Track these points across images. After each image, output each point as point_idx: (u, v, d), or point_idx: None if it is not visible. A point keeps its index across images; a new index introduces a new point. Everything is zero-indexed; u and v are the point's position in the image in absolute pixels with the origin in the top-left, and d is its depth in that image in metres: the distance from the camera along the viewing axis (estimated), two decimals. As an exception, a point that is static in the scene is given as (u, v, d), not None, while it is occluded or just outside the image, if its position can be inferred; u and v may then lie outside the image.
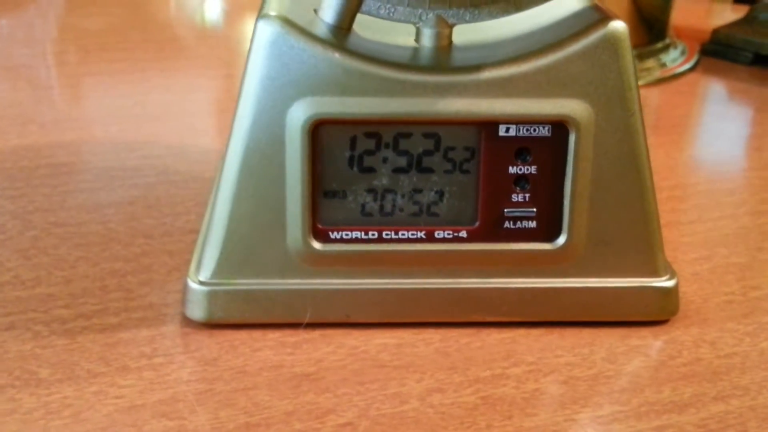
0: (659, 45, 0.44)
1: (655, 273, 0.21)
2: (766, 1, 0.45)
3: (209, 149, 0.31)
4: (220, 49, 0.47)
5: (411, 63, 0.20)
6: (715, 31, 0.45)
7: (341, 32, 0.20)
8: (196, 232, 0.25)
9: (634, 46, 0.45)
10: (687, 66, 0.44)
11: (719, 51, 0.45)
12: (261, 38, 0.19)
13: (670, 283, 0.21)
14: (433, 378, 0.19)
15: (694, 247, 0.25)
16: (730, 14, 0.57)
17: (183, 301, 0.21)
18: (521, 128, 0.20)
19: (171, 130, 0.33)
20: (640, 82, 0.40)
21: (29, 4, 0.55)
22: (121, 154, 0.30)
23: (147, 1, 0.56)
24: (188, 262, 0.21)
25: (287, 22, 0.19)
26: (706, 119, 0.37)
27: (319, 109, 0.19)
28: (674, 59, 0.45)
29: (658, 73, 0.42)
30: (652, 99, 0.39)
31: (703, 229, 0.26)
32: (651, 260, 0.21)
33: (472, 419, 0.18)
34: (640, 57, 0.42)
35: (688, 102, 0.39)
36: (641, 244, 0.21)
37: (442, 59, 0.20)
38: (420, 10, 0.21)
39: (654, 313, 0.21)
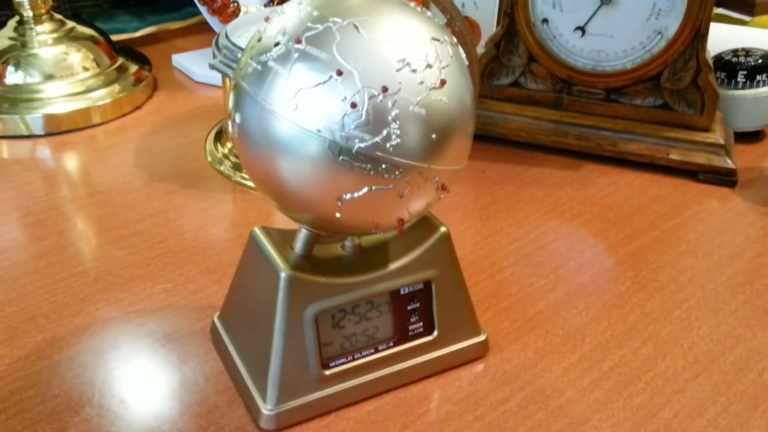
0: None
1: (476, 335, 0.43)
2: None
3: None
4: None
5: (350, 270, 0.39)
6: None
7: (307, 258, 0.39)
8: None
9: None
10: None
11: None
12: (283, 282, 0.37)
13: (483, 338, 0.43)
14: (398, 412, 0.39)
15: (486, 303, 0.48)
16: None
17: (258, 421, 0.39)
18: (409, 288, 0.40)
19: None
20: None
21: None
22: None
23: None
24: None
25: (292, 270, 0.37)
26: (499, 205, 0.60)
27: (318, 309, 0.38)
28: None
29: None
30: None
31: (486, 289, 0.49)
32: (473, 331, 0.43)
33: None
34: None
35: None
36: (468, 325, 0.43)
37: (364, 261, 0.40)
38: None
39: (479, 353, 0.43)
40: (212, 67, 0.58)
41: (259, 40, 0.34)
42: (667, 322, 0.46)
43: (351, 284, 0.39)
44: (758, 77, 0.66)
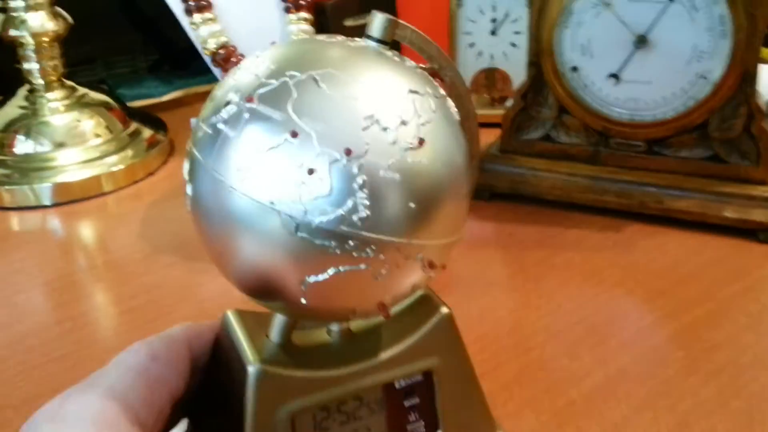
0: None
1: (493, 430, 0.37)
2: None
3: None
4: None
5: (335, 360, 0.33)
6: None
7: (284, 347, 0.33)
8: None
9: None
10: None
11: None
12: (251, 377, 0.31)
13: None
14: None
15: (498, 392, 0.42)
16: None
17: None
18: (406, 381, 0.34)
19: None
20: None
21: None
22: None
23: None
24: None
25: (262, 363, 0.31)
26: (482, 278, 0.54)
27: (294, 408, 0.32)
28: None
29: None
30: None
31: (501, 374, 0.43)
32: (488, 426, 0.37)
33: None
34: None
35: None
36: (481, 423, 0.36)
37: (352, 349, 0.34)
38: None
39: (494, 452, 0.37)
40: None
41: (212, 100, 0.30)
42: (724, 414, 0.39)
43: (334, 378, 0.33)
44: (822, 122, 0.59)
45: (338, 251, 0.27)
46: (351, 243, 0.27)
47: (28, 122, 0.69)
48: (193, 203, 0.30)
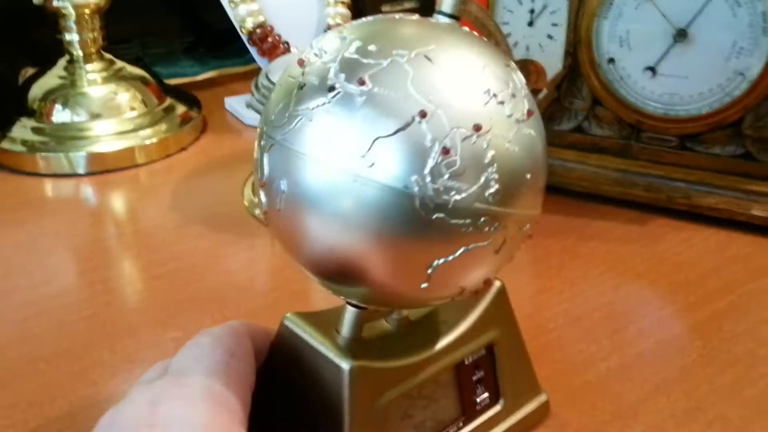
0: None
1: (537, 394, 0.38)
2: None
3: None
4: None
5: (409, 347, 0.33)
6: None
7: (357, 342, 0.33)
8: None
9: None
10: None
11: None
12: (347, 374, 0.31)
13: (544, 398, 0.38)
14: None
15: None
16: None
17: None
18: (473, 356, 0.35)
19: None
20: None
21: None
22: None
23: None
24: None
25: (354, 359, 0.31)
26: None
27: (387, 399, 0.32)
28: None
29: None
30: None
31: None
32: (535, 390, 0.38)
33: None
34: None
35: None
36: (530, 388, 0.38)
37: (419, 334, 0.34)
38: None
39: (541, 415, 0.38)
40: (248, 105, 0.55)
41: (302, 87, 0.28)
42: (737, 402, 0.39)
43: (417, 364, 0.33)
44: None
45: (471, 229, 0.27)
46: (483, 219, 0.27)
47: (66, 92, 0.70)
48: (292, 200, 0.28)
